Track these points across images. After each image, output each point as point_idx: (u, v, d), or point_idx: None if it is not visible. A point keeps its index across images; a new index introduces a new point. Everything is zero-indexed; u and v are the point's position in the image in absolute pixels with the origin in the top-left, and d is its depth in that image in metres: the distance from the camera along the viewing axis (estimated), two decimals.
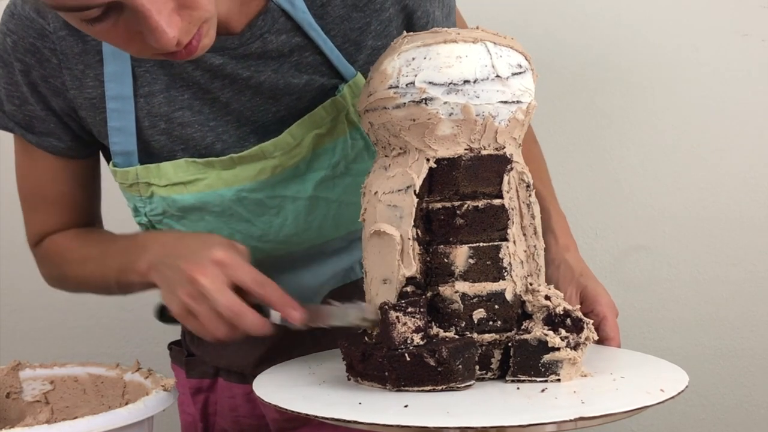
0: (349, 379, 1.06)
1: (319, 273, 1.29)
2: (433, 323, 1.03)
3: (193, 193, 1.19)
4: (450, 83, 1.02)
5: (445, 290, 1.04)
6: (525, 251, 1.07)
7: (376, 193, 1.06)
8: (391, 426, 0.91)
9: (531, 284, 1.06)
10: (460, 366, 0.99)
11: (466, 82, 1.02)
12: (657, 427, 1.78)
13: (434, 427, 0.91)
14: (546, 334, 1.01)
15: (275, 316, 1.09)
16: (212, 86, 1.17)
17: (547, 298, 1.04)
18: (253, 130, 1.20)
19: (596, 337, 1.05)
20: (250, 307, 1.08)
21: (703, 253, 1.75)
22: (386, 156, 1.08)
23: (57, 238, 1.28)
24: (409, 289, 1.04)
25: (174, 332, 1.47)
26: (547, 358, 1.01)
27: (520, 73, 1.05)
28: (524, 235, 1.07)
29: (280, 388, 1.05)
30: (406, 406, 0.95)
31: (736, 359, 1.75)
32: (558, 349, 1.01)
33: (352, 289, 1.24)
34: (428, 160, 1.04)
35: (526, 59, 1.08)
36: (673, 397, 0.98)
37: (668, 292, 1.77)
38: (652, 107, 1.74)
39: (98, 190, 1.32)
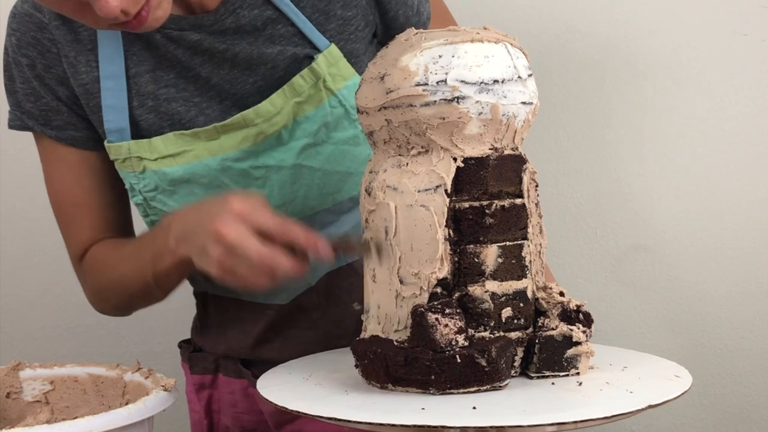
0: (372, 386, 1.05)
1: None
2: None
3: (182, 165, 1.24)
4: (481, 82, 1.03)
5: (475, 290, 1.04)
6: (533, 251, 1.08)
7: (395, 189, 1.05)
8: (406, 426, 0.92)
9: (538, 282, 1.08)
10: (504, 365, 1.01)
11: (496, 81, 1.03)
12: (657, 427, 1.78)
13: (434, 426, 0.91)
14: (571, 329, 1.04)
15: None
16: (193, 63, 1.23)
17: (562, 294, 1.06)
18: (234, 103, 1.25)
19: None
20: (280, 251, 1.07)
21: (703, 253, 1.74)
22: (401, 155, 1.07)
23: (95, 248, 1.30)
24: (438, 290, 1.03)
25: (184, 331, 1.47)
26: (570, 352, 1.04)
27: (531, 75, 1.07)
28: (532, 234, 1.08)
29: (283, 389, 1.06)
30: (423, 409, 0.96)
31: (736, 359, 1.75)
32: (580, 343, 1.04)
33: (348, 273, 1.28)
34: (455, 159, 1.04)
35: (528, 61, 1.09)
36: (684, 393, 1.00)
37: (668, 292, 1.76)
38: (652, 107, 1.74)
39: (125, 192, 1.31)
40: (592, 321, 1.05)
